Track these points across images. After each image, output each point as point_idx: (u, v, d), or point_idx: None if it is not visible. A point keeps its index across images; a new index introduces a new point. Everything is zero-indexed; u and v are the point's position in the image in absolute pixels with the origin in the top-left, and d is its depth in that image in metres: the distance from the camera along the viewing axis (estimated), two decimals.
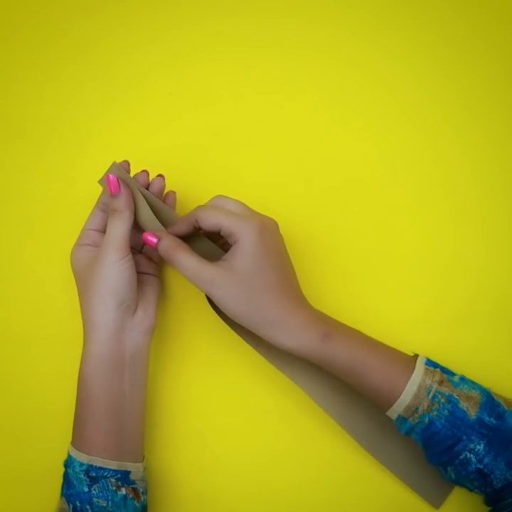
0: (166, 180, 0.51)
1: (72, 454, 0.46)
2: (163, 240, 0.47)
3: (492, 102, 0.54)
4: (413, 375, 0.43)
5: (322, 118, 0.55)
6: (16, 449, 0.53)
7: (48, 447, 0.52)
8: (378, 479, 0.50)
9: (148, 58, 0.56)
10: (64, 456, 0.48)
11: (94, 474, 0.45)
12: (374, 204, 0.54)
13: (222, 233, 0.45)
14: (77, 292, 0.48)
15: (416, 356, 0.46)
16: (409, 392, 0.43)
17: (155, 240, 0.47)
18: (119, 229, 0.47)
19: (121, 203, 0.47)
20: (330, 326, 0.45)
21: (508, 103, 0.53)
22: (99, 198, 0.50)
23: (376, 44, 0.55)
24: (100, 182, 0.48)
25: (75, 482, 0.45)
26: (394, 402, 0.43)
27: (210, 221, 0.45)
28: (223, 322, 0.49)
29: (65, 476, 0.47)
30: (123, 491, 0.46)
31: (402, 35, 0.54)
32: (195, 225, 0.47)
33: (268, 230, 0.46)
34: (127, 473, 0.47)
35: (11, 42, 0.56)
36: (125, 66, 0.56)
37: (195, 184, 0.54)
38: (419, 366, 0.44)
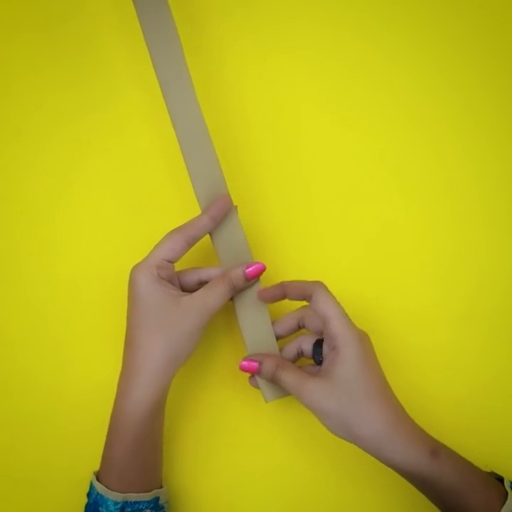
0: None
1: (103, 492, 0.46)
2: (265, 365, 0.47)
3: (492, 101, 0.54)
4: (507, 501, 0.42)
5: (322, 119, 0.54)
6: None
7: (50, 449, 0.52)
8: (378, 481, 0.51)
9: (145, 56, 0.54)
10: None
11: (130, 509, 0.46)
12: (375, 205, 0.54)
13: (326, 330, 0.45)
14: (129, 317, 0.46)
15: (501, 478, 0.45)
16: None
17: (256, 365, 0.47)
18: (219, 303, 0.46)
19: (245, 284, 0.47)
20: (436, 443, 0.44)
21: (508, 103, 0.54)
22: (185, 228, 0.47)
23: (376, 45, 0.54)
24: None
25: None
26: None
27: (324, 309, 0.45)
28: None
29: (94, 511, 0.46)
30: None
31: (402, 36, 0.54)
32: (307, 300, 0.46)
33: (367, 341, 0.45)
34: (157, 499, 0.47)
35: (10, 42, 0.55)
36: (126, 65, 0.54)
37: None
38: (510, 491, 0.43)
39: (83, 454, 0.51)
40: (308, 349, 0.48)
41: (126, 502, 0.46)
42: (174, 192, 0.54)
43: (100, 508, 0.46)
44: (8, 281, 0.54)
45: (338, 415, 0.43)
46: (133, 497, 0.46)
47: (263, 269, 0.47)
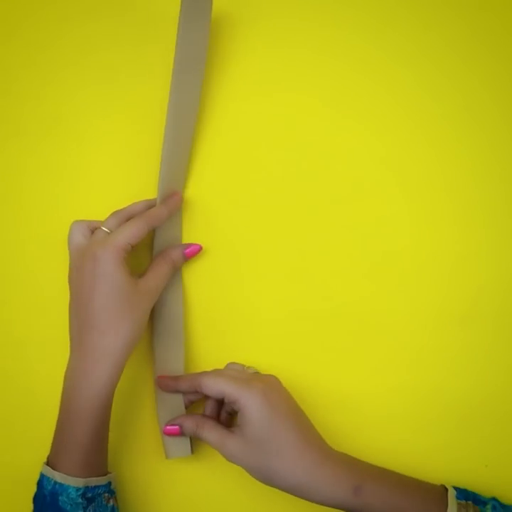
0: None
1: (62, 480, 0.44)
2: (186, 427, 0.48)
3: (493, 102, 0.53)
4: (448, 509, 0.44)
5: (322, 119, 0.53)
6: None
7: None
8: None
9: (149, 57, 0.54)
10: None
11: (90, 495, 0.45)
12: (376, 206, 0.53)
13: (226, 401, 0.46)
14: (94, 296, 0.46)
15: (445, 489, 0.45)
16: None
17: (177, 428, 0.49)
18: (165, 284, 0.49)
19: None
20: (360, 475, 0.45)
21: (509, 103, 0.53)
22: (149, 217, 0.49)
23: (376, 44, 0.53)
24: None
25: (67, 508, 0.44)
26: None
27: (214, 387, 0.46)
28: None
29: (52, 504, 0.45)
30: (111, 502, 0.46)
31: (402, 35, 0.53)
32: (198, 390, 0.48)
33: (271, 390, 0.46)
34: (110, 483, 0.47)
35: (10, 41, 0.54)
36: (125, 65, 0.54)
37: (193, 184, 0.53)
38: (451, 503, 0.44)
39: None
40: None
41: (87, 487, 0.45)
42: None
43: (60, 497, 0.44)
44: (5, 282, 0.53)
45: (257, 469, 0.45)
46: (93, 481, 0.45)
47: (199, 250, 0.51)
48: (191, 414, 0.49)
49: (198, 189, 0.53)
